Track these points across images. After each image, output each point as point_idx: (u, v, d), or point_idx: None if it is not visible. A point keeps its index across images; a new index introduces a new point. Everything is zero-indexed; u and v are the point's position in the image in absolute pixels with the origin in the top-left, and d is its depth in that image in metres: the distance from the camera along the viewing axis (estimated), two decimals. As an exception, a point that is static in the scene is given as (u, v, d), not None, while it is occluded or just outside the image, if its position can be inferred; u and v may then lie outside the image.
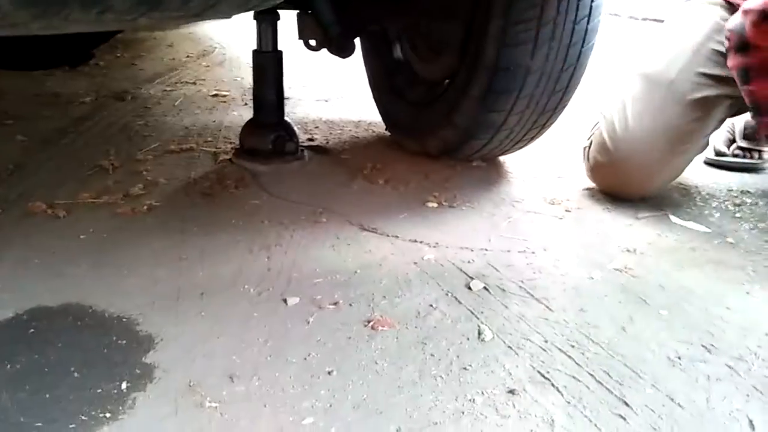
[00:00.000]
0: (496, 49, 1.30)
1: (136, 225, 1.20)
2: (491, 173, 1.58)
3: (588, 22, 1.28)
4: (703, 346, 0.90)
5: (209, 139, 1.74)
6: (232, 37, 3.41)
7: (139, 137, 1.73)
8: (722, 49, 1.35)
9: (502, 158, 1.67)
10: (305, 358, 0.83)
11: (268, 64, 1.49)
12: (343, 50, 1.43)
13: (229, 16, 0.95)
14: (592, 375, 0.83)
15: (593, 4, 1.27)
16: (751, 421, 0.75)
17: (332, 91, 2.43)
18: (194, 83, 2.44)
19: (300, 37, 1.50)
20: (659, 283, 1.07)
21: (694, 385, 0.81)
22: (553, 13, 1.23)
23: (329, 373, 0.81)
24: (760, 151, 1.78)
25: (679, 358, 0.87)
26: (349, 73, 2.44)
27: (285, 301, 0.96)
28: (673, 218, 1.34)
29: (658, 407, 0.77)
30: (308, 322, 0.91)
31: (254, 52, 1.50)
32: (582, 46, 1.30)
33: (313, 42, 1.47)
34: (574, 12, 1.24)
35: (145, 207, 1.27)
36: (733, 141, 1.81)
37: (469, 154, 1.56)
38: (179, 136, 1.76)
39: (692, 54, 1.33)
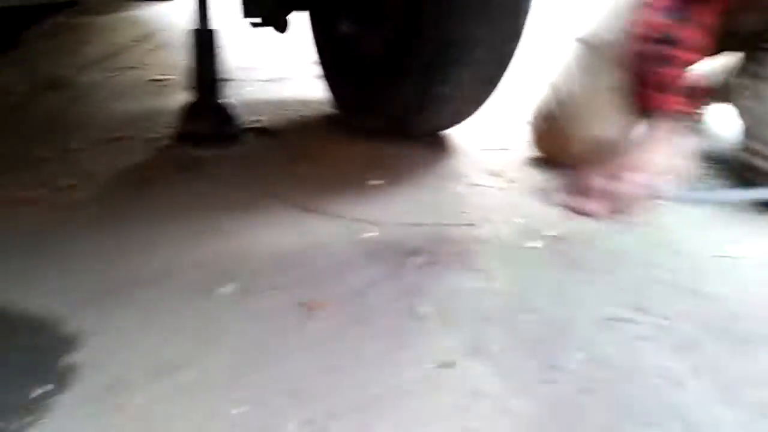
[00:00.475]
0: (435, 22, 1.28)
1: (68, 218, 1.17)
2: (436, 148, 1.57)
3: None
4: (633, 307, 0.92)
5: (150, 125, 1.69)
6: (178, 20, 3.31)
7: (76, 126, 1.67)
8: None
9: (447, 132, 1.66)
10: (237, 347, 0.83)
11: (203, 43, 1.45)
12: (277, 24, 1.41)
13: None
14: (523, 342, 0.84)
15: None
16: (677, 378, 0.77)
17: (281, 71, 2.38)
18: (136, 68, 2.37)
19: (245, 16, 1.47)
20: (594, 247, 1.09)
21: (623, 346, 0.83)
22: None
23: (261, 360, 0.80)
24: (698, 112, 1.82)
25: (610, 320, 0.89)
26: (299, 52, 2.40)
27: (219, 289, 0.95)
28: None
29: (588, 370, 0.79)
30: (242, 310, 0.90)
31: (189, 31, 1.46)
32: (525, 15, 1.30)
33: (257, 20, 1.44)
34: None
35: (78, 199, 1.23)
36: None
37: (415, 129, 1.55)
38: (119, 123, 1.71)
39: (624, 14, 1.35)
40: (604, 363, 0.80)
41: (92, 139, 1.57)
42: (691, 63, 1.09)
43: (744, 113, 1.36)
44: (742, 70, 1.40)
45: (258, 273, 1.00)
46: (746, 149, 1.29)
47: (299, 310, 0.91)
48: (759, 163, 1.25)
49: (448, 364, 0.80)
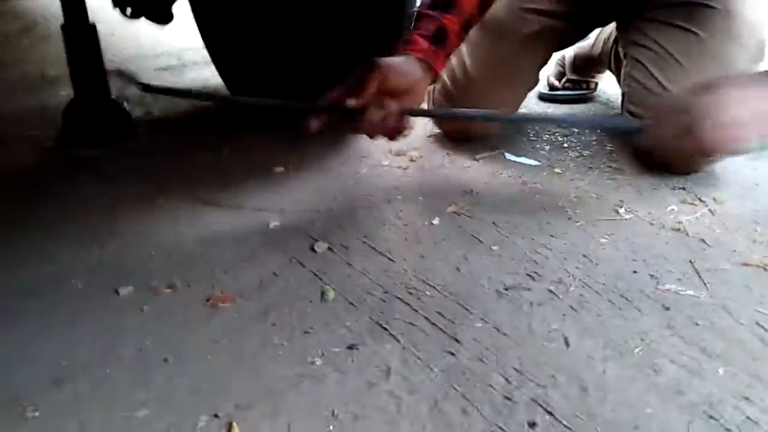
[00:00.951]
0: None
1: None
2: (339, 131, 1.57)
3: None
4: (528, 275, 0.97)
5: (32, 124, 1.59)
6: (55, 10, 3.11)
7: (-51, 130, 1.55)
8: None
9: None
10: (140, 350, 0.80)
11: (81, 38, 1.37)
12: (160, 18, 1.34)
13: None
14: (426, 318, 0.87)
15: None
16: (566, 338, 0.82)
17: (174, 59, 2.30)
18: (14, 64, 2.21)
19: (114, 6, 1.39)
20: (492, 220, 1.13)
21: (518, 313, 0.88)
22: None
23: (165, 360, 0.78)
24: (588, 82, 1.91)
25: (506, 289, 0.93)
26: (192, 38, 2.32)
27: (117, 291, 0.92)
28: (507, 155, 1.42)
29: (485, 339, 0.82)
30: (142, 311, 0.88)
31: (62, 27, 1.37)
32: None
33: (128, 11, 1.37)
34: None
35: (-44, 209, 1.15)
36: (563, 74, 1.92)
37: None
38: (-2, 123, 1.60)
39: None
40: (501, 331, 0.84)
41: (-32, 143, 1.46)
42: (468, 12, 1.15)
43: (625, 80, 1.44)
44: (622, 40, 1.49)
45: (158, 271, 0.97)
46: (631, 115, 1.37)
47: (203, 307, 0.89)
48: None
49: (356, 346, 0.81)
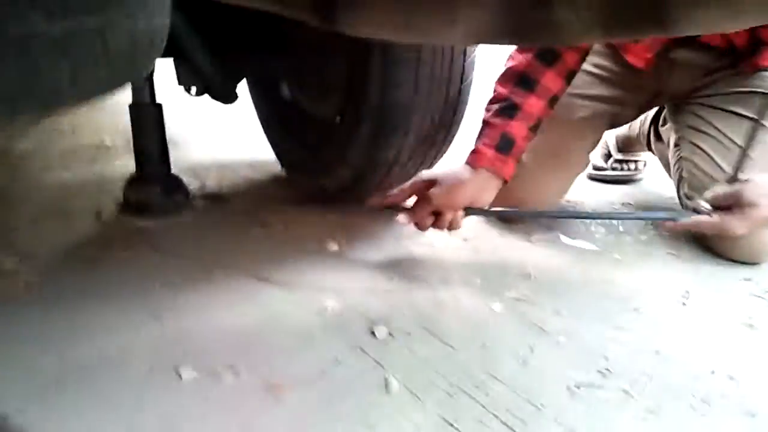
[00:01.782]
0: (380, 88, 1.30)
1: (11, 305, 1.10)
2: (389, 211, 1.57)
3: (464, 60, 1.31)
4: (598, 371, 0.93)
5: (90, 196, 1.63)
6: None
7: (8, 201, 1.59)
8: (593, 69, 1.43)
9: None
10: (203, 439, 0.78)
11: (147, 116, 1.42)
12: (224, 97, 1.39)
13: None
14: (496, 416, 0.83)
15: (469, 40, 1.31)
16: (647, 444, 0.78)
17: (225, 133, 2.37)
18: (72, 132, 2.30)
19: (179, 83, 1.44)
20: (555, 308, 1.10)
21: (593, 414, 0.84)
22: (429, 55, 1.25)
23: (230, 453, 0.76)
24: (636, 161, 1.91)
25: (578, 387, 0.89)
26: (241, 113, 2.39)
27: (180, 375, 0.90)
28: (563, 238, 1.40)
29: (562, 442, 0.78)
30: (206, 398, 0.86)
31: (131, 106, 1.42)
32: (461, 83, 1.34)
33: (193, 89, 1.42)
34: (450, 52, 1.27)
35: (22, 284, 1.16)
36: (609, 155, 1.92)
37: (366, 192, 1.56)
38: (56, 195, 1.64)
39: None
40: (578, 432, 0.80)
41: (30, 215, 1.50)
42: (535, 116, 1.24)
43: (680, 164, 1.43)
44: (674, 123, 1.48)
45: (218, 355, 0.96)
46: (690, 200, 1.34)
47: (265, 394, 0.87)
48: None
49: (424, 445, 0.78)
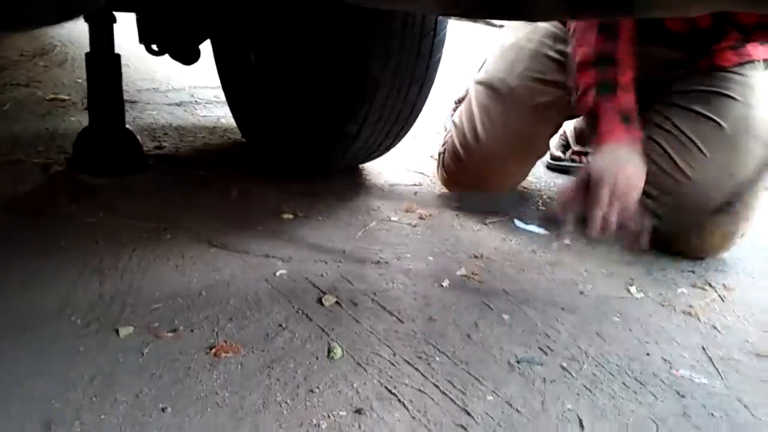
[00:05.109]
0: (348, 57, 1.29)
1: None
2: (348, 183, 1.57)
3: (434, 36, 1.30)
4: (540, 348, 0.94)
5: (41, 148, 1.58)
6: (77, 34, 3.14)
7: (-45, 148, 1.53)
8: (556, 55, 1.43)
9: (360, 167, 1.67)
10: (137, 396, 0.77)
11: (103, 68, 1.37)
12: (185, 57, 1.35)
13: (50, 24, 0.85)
14: (437, 386, 0.84)
15: (438, 19, 1.30)
16: (580, 420, 0.80)
17: (186, 95, 2.31)
18: (27, 85, 2.21)
19: (140, 41, 1.40)
20: (503, 287, 1.11)
21: (530, 388, 0.85)
22: (400, 28, 1.24)
23: (163, 410, 0.75)
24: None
25: (518, 362, 0.90)
26: (206, 75, 2.34)
27: (117, 331, 0.88)
28: (517, 222, 1.41)
29: (497, 414, 0.79)
30: (142, 354, 0.84)
31: (87, 55, 1.37)
32: (429, 59, 1.33)
33: (155, 46, 1.37)
34: (420, 26, 1.26)
35: (-43, 229, 1.12)
36: (567, 146, 1.94)
37: (327, 164, 1.54)
38: (5, 145, 1.58)
39: (529, 60, 1.41)
40: (513, 407, 0.81)
41: (-27, 163, 1.44)
42: (630, 85, 1.17)
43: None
44: (643, 122, 1.49)
45: (160, 314, 0.94)
46: (647, 196, 1.36)
47: (205, 355, 0.86)
48: (659, 210, 1.33)
49: (363, 410, 0.78)
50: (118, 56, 1.39)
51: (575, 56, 1.24)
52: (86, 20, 1.32)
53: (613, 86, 1.17)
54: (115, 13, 1.35)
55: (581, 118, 1.76)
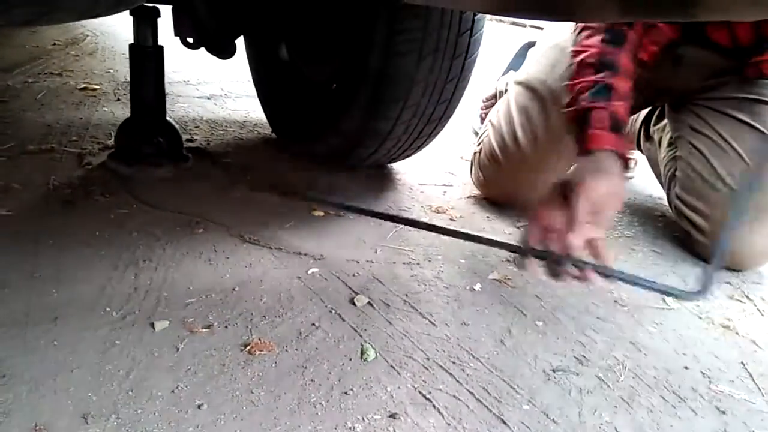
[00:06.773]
0: (381, 57, 1.28)
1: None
2: (379, 181, 1.56)
3: (471, 35, 1.29)
4: (575, 357, 0.93)
5: (74, 138, 1.59)
6: (107, 25, 3.17)
7: (-10, 136, 1.55)
8: None
9: (390, 166, 1.66)
10: (172, 391, 0.77)
11: (147, 60, 1.37)
12: (221, 51, 1.35)
13: (95, 16, 0.85)
14: (471, 393, 0.83)
15: (476, 17, 1.29)
16: (618, 433, 0.78)
17: (217, 88, 2.32)
18: (60, 75, 2.23)
19: (176, 34, 1.40)
20: (535, 293, 1.10)
21: (567, 398, 0.84)
22: (437, 25, 1.22)
23: (199, 406, 0.75)
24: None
25: (554, 371, 0.89)
26: (236, 69, 2.34)
27: (152, 325, 0.88)
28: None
29: (534, 424, 0.78)
30: (177, 349, 0.84)
31: (131, 46, 1.38)
32: (465, 58, 1.31)
33: (190, 39, 1.38)
34: (458, 24, 1.24)
35: (-6, 217, 1.13)
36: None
37: (357, 161, 1.54)
38: (39, 134, 1.59)
39: (569, 63, 1.38)
40: (549, 417, 0.80)
41: (11, 151, 1.45)
42: (627, 95, 1.09)
43: (672, 163, 1.43)
44: (674, 122, 1.47)
45: (194, 309, 0.94)
46: (682, 201, 1.34)
47: (238, 351, 0.86)
48: (696, 219, 1.30)
49: (397, 415, 0.77)
50: (162, 48, 1.39)
51: (576, 57, 1.20)
52: (131, 13, 1.32)
53: (609, 91, 1.08)
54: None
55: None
